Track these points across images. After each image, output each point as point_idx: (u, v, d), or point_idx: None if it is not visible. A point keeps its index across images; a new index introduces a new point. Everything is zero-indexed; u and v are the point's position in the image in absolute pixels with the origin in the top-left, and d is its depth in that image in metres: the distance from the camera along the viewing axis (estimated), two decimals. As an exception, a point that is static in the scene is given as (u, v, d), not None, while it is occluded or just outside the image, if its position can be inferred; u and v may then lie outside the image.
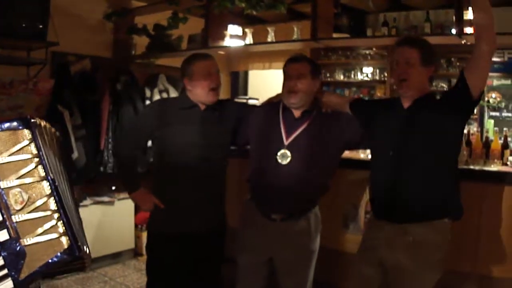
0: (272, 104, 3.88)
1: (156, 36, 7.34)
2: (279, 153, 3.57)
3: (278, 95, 3.93)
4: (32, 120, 2.01)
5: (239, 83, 10.79)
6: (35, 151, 1.95)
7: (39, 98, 5.97)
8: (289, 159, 3.54)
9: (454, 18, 5.10)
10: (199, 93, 3.76)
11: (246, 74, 10.84)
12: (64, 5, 6.61)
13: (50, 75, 6.50)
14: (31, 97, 5.86)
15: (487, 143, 4.58)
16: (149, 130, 3.82)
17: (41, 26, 6.01)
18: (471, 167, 4.20)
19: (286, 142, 3.59)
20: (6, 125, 1.94)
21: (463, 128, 3.32)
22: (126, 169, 3.97)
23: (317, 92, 3.76)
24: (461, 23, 4.96)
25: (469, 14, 5.25)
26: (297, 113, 3.66)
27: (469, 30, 5.11)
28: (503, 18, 7.04)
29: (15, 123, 1.95)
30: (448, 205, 3.23)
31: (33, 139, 1.96)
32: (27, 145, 1.95)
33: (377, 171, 3.43)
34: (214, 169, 3.81)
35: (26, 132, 1.96)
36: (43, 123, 2.09)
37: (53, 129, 2.17)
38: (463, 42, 5.27)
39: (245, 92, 10.64)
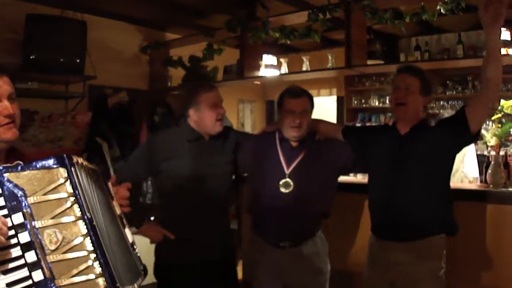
0: (268, 134, 3.88)
1: (191, 68, 7.41)
2: (281, 182, 3.58)
3: (271, 125, 4.00)
4: (68, 158, 1.94)
5: (275, 112, 10.82)
6: (70, 190, 1.89)
7: (77, 131, 6.06)
8: (291, 188, 3.56)
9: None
10: (206, 124, 3.73)
11: (281, 103, 10.86)
12: (100, 40, 6.77)
13: (88, 108, 6.62)
14: (70, 129, 5.96)
15: (525, 165, 4.51)
16: (152, 164, 3.78)
17: (78, 61, 6.14)
18: (510, 189, 4.13)
19: (287, 171, 3.61)
20: (41, 163, 1.89)
21: (456, 153, 3.46)
22: (129, 204, 3.90)
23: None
24: (493, 43, 4.92)
25: (502, 35, 5.23)
26: (294, 143, 3.69)
27: (502, 51, 5.08)
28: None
29: (50, 161, 1.89)
30: (444, 221, 3.32)
31: (69, 178, 1.90)
32: (62, 183, 1.88)
33: (375, 193, 3.51)
34: (220, 198, 3.81)
35: (62, 170, 1.89)
36: (80, 160, 2.01)
37: (91, 165, 2.13)
38: (494, 63, 5.24)
39: (281, 121, 10.65)
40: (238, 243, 4.95)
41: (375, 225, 3.52)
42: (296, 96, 3.68)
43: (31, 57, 5.74)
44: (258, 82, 7.33)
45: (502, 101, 4.82)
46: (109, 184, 2.30)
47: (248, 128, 9.96)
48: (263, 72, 6.79)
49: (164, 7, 6.93)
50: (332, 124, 4.19)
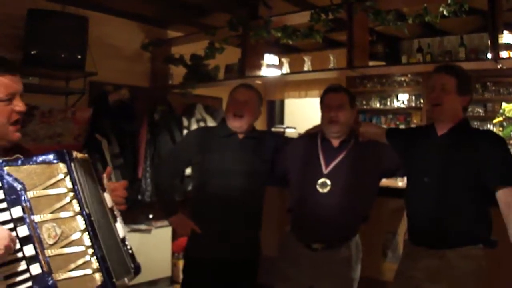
0: (310, 135, 3.94)
1: (193, 66, 7.38)
2: (319, 182, 3.58)
3: (315, 127, 3.99)
4: (68, 154, 1.99)
5: (275, 112, 10.81)
6: (70, 185, 1.94)
7: (77, 127, 6.04)
8: (328, 188, 3.55)
9: (489, 42, 5.05)
10: (227, 119, 3.86)
11: (282, 103, 10.85)
12: (101, 36, 6.75)
13: (88, 105, 6.60)
14: (70, 125, 5.94)
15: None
16: (188, 157, 3.88)
17: (79, 57, 6.12)
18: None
19: (325, 171, 3.61)
20: (41, 158, 1.93)
21: None
22: (165, 194, 4.01)
23: (354, 122, 3.81)
24: (496, 47, 4.90)
25: (504, 38, 5.22)
26: (335, 143, 3.69)
27: (504, 54, 5.08)
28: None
29: (50, 156, 1.94)
30: (482, 231, 3.22)
31: (69, 173, 1.95)
32: (62, 179, 1.93)
33: (413, 197, 3.43)
34: (251, 196, 3.84)
35: (62, 165, 1.94)
36: (80, 155, 2.08)
37: (84, 155, 2.15)
38: (499, 66, 5.22)
39: (281, 121, 10.64)
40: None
41: (410, 230, 3.46)
42: (332, 91, 3.75)
43: (32, 52, 5.71)
44: (259, 82, 7.29)
45: (504, 105, 4.83)
46: (104, 176, 2.30)
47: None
48: (265, 71, 6.76)
49: (166, 4, 6.92)
50: (378, 126, 4.18)
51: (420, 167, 3.36)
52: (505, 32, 5.31)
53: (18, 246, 1.82)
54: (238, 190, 3.74)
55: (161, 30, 7.92)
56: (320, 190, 3.57)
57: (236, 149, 3.81)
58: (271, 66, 6.84)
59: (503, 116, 4.74)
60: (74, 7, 6.33)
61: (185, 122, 7.37)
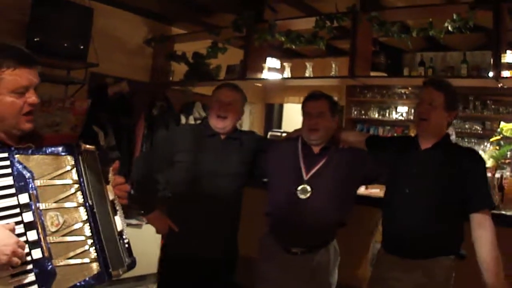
0: (291, 139, 3.94)
1: (194, 64, 7.40)
2: (299, 188, 3.59)
3: (296, 131, 4.00)
4: (77, 147, 2.09)
5: (274, 115, 10.82)
6: (76, 177, 2.04)
7: (75, 117, 6.04)
8: (309, 194, 3.57)
9: (491, 60, 5.08)
10: (210, 120, 3.84)
11: (281, 107, 10.87)
12: (105, 28, 6.76)
13: (88, 95, 6.59)
14: (68, 115, 5.93)
15: (520, 188, 4.51)
16: (169, 154, 3.85)
17: (82, 47, 6.14)
18: (503, 212, 4.13)
19: (306, 177, 3.62)
20: (51, 149, 2.04)
21: None
22: (142, 190, 3.96)
23: (334, 129, 3.82)
24: (498, 66, 4.93)
25: (507, 57, 5.24)
26: (316, 149, 3.71)
27: (506, 73, 5.10)
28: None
29: (59, 148, 2.05)
30: (455, 244, 3.27)
31: (75, 166, 2.05)
32: (69, 170, 2.04)
33: (392, 207, 3.44)
34: (229, 197, 3.82)
35: (69, 158, 2.05)
36: (88, 147, 2.16)
37: (91, 147, 2.21)
38: (500, 85, 5.25)
39: (279, 125, 10.65)
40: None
41: (385, 238, 3.49)
42: (313, 98, 3.75)
43: (35, 39, 5.71)
44: (260, 84, 7.32)
45: (502, 123, 4.83)
46: (110, 169, 2.35)
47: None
48: (266, 74, 6.78)
49: (172, 1, 6.93)
50: (358, 133, 4.20)
51: (402, 178, 3.39)
52: (508, 51, 5.33)
53: (22, 230, 1.91)
54: (216, 191, 3.74)
55: (165, 26, 7.94)
56: (301, 196, 3.58)
57: (217, 149, 3.80)
58: (273, 69, 6.87)
59: (501, 135, 4.74)
60: (80, -3, 6.31)
61: (183, 119, 7.39)
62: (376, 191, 4.90)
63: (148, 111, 7.06)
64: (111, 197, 2.28)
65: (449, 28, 5.08)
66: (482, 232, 3.08)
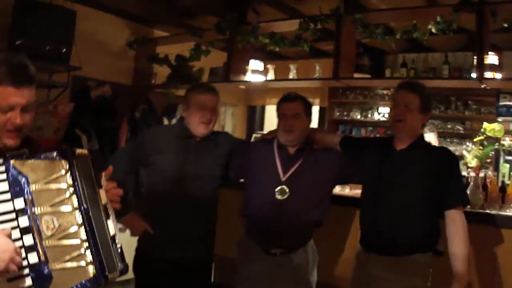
0: (266, 141, 3.94)
1: (177, 67, 7.39)
2: (277, 189, 3.59)
3: (271, 132, 4.02)
4: (71, 151, 2.09)
5: (256, 117, 10.81)
6: (70, 182, 2.04)
7: (57, 121, 6.00)
8: (287, 195, 3.57)
9: (473, 61, 5.14)
10: (191, 124, 3.78)
11: (263, 108, 10.86)
12: (88, 31, 6.71)
13: (70, 99, 6.54)
14: (51, 119, 5.90)
15: (503, 188, 4.54)
16: (143, 155, 3.81)
17: (64, 50, 6.08)
18: (487, 211, 4.17)
19: (283, 178, 3.63)
20: (45, 154, 2.04)
21: None
22: None
23: (309, 130, 3.85)
24: (481, 67, 4.98)
25: (489, 59, 5.29)
26: (292, 150, 3.72)
27: (489, 74, 5.15)
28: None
29: (54, 153, 2.05)
30: (431, 241, 3.32)
31: (70, 170, 2.05)
32: (63, 175, 2.03)
33: (369, 207, 3.51)
34: (204, 199, 3.81)
35: (64, 162, 2.05)
36: (81, 151, 2.15)
37: (85, 152, 2.21)
38: (482, 86, 5.31)
39: (261, 127, 10.64)
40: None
41: (363, 237, 3.53)
42: (287, 100, 3.76)
43: (16, 42, 5.66)
44: (243, 87, 7.31)
45: (485, 124, 4.87)
46: (103, 174, 2.33)
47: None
48: (249, 77, 6.78)
49: (154, 3, 6.90)
50: (331, 133, 4.22)
51: (378, 179, 3.44)
52: (490, 53, 5.38)
53: (18, 235, 1.91)
54: (191, 193, 3.72)
55: (148, 28, 7.92)
56: (279, 197, 3.58)
57: (192, 151, 3.78)
58: (256, 72, 6.86)
59: (484, 136, 4.77)
60: (62, 0, 6.26)
61: (165, 122, 7.36)
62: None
63: (131, 114, 7.03)
64: (104, 201, 2.28)
65: (433, 30, 5.12)
66: (454, 228, 3.18)
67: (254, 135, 7.24)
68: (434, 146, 3.62)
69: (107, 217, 2.25)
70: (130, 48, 7.64)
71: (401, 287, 3.25)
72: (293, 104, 3.71)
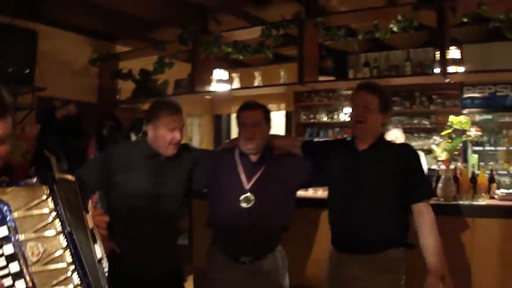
0: (227, 150, 3.94)
1: (141, 81, 7.38)
2: (242, 197, 3.61)
3: (231, 141, 4.05)
4: (50, 176, 2.05)
5: (222, 126, 10.82)
6: (52, 206, 1.99)
7: (25, 143, 5.94)
8: (252, 203, 3.59)
9: (436, 57, 5.23)
10: (159, 145, 3.68)
11: (228, 117, 10.86)
12: (50, 50, 6.66)
13: (36, 120, 6.48)
14: (18, 142, 5.83)
15: (473, 178, 4.63)
16: (105, 174, 3.75)
17: (28, 71, 6.02)
18: (460, 202, 4.25)
19: (247, 186, 3.65)
20: (25, 181, 2.00)
21: None
22: None
23: (269, 137, 3.86)
24: (444, 62, 5.07)
25: (451, 53, 5.37)
26: (254, 158, 3.74)
27: (452, 68, 5.24)
28: (484, 54, 7.21)
29: (33, 180, 2.01)
30: (400, 235, 3.37)
31: (51, 194, 2.01)
32: (44, 200, 1.99)
33: (334, 206, 3.57)
34: (170, 217, 3.80)
35: (44, 188, 2.00)
36: (63, 176, 2.12)
37: (70, 177, 2.19)
38: (447, 81, 5.40)
39: (228, 135, 10.65)
40: (189, 258, 4.92)
41: (334, 238, 3.55)
42: (247, 108, 3.75)
43: (-22, 66, 5.60)
44: (209, 97, 7.32)
45: (452, 117, 4.94)
46: (89, 201, 2.32)
47: (195, 143, 9.86)
48: (214, 86, 6.78)
49: (115, 18, 6.87)
50: (290, 139, 4.24)
51: (343, 180, 3.48)
52: (452, 47, 5.46)
53: (4, 263, 1.89)
54: (155, 212, 3.68)
55: (110, 44, 7.90)
56: (244, 205, 3.60)
57: (156, 171, 3.71)
58: (221, 81, 6.87)
59: (452, 129, 4.84)
60: (23, 20, 6.20)
61: (133, 137, 7.33)
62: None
63: (98, 132, 6.98)
64: (90, 225, 2.27)
65: (394, 29, 5.19)
66: (422, 221, 3.26)
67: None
68: (395, 144, 3.68)
69: (94, 241, 2.25)
70: (93, 65, 7.60)
71: (376, 284, 3.29)
72: (253, 113, 3.72)
